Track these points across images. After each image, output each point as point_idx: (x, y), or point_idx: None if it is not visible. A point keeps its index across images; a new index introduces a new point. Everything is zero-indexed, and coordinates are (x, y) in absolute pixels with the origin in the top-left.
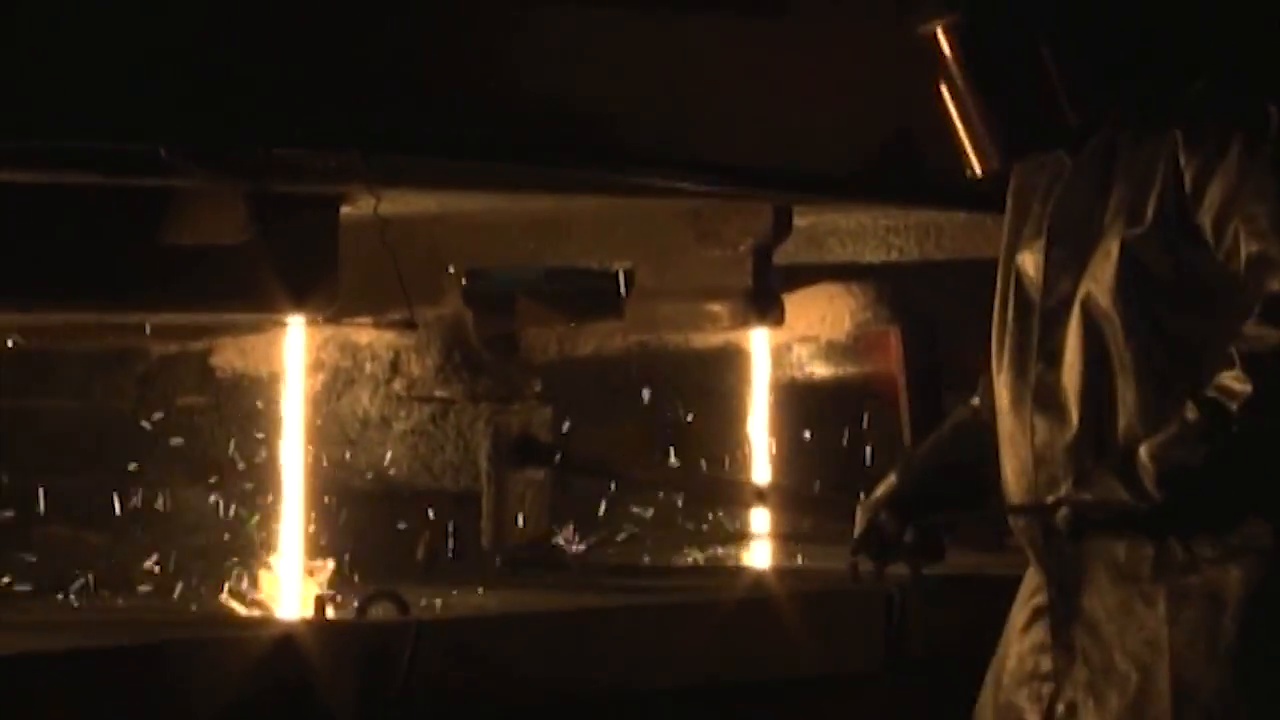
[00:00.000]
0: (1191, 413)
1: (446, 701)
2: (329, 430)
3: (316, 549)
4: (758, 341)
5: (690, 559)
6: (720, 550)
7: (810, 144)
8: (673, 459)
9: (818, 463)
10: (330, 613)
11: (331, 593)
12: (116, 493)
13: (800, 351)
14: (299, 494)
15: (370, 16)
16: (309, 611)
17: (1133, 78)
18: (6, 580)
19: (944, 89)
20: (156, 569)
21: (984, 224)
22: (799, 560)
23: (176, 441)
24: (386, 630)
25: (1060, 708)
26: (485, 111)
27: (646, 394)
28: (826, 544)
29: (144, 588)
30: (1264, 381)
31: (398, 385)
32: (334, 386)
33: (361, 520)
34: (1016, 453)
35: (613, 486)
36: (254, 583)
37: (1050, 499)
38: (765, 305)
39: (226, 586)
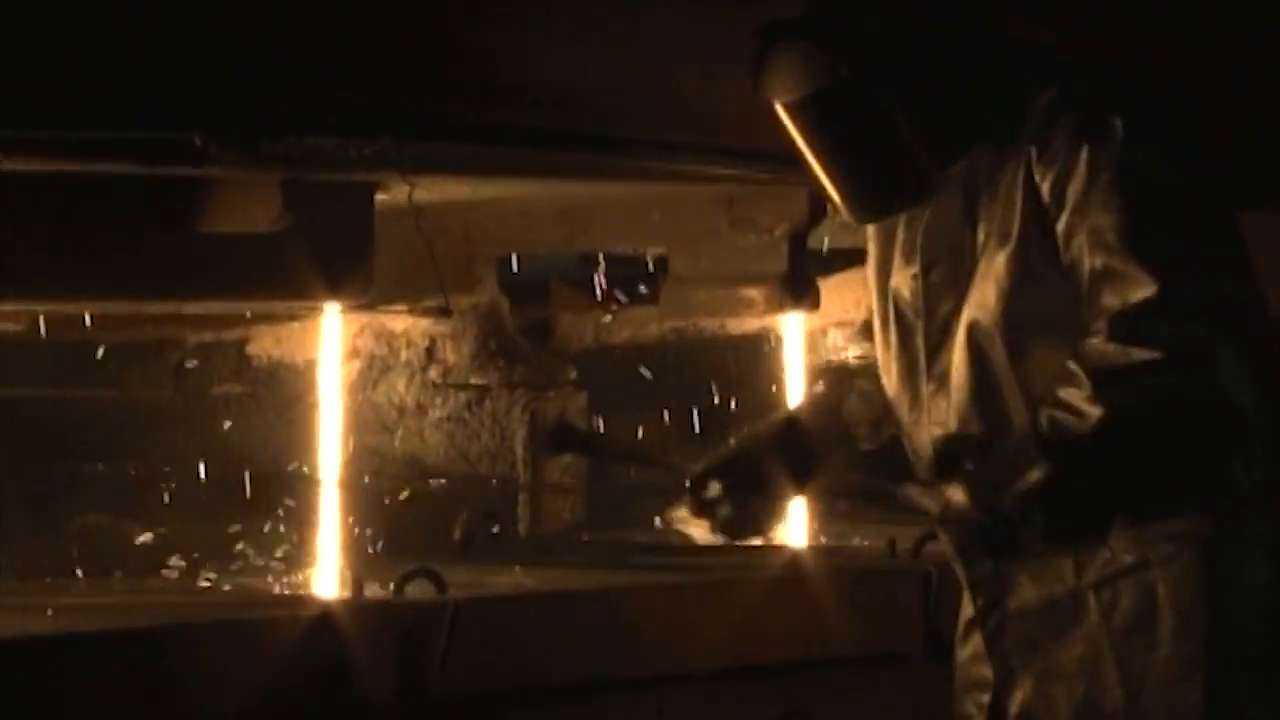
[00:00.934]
0: (1042, 467)
1: (484, 679)
2: (365, 417)
3: (353, 535)
4: (793, 326)
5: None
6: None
7: None
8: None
9: None
10: (368, 592)
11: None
12: (154, 481)
13: (836, 336)
14: (335, 481)
15: (405, 3)
16: (346, 592)
17: (987, 112)
18: (46, 567)
19: (802, 157)
20: (194, 554)
21: None
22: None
23: (214, 430)
24: (423, 609)
25: (1012, 715)
26: (518, 99)
27: (682, 380)
28: (863, 522)
29: (182, 573)
30: (1113, 405)
31: (433, 373)
32: (370, 374)
33: (397, 506)
34: (920, 471)
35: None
36: (292, 566)
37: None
38: (800, 290)
39: (264, 571)
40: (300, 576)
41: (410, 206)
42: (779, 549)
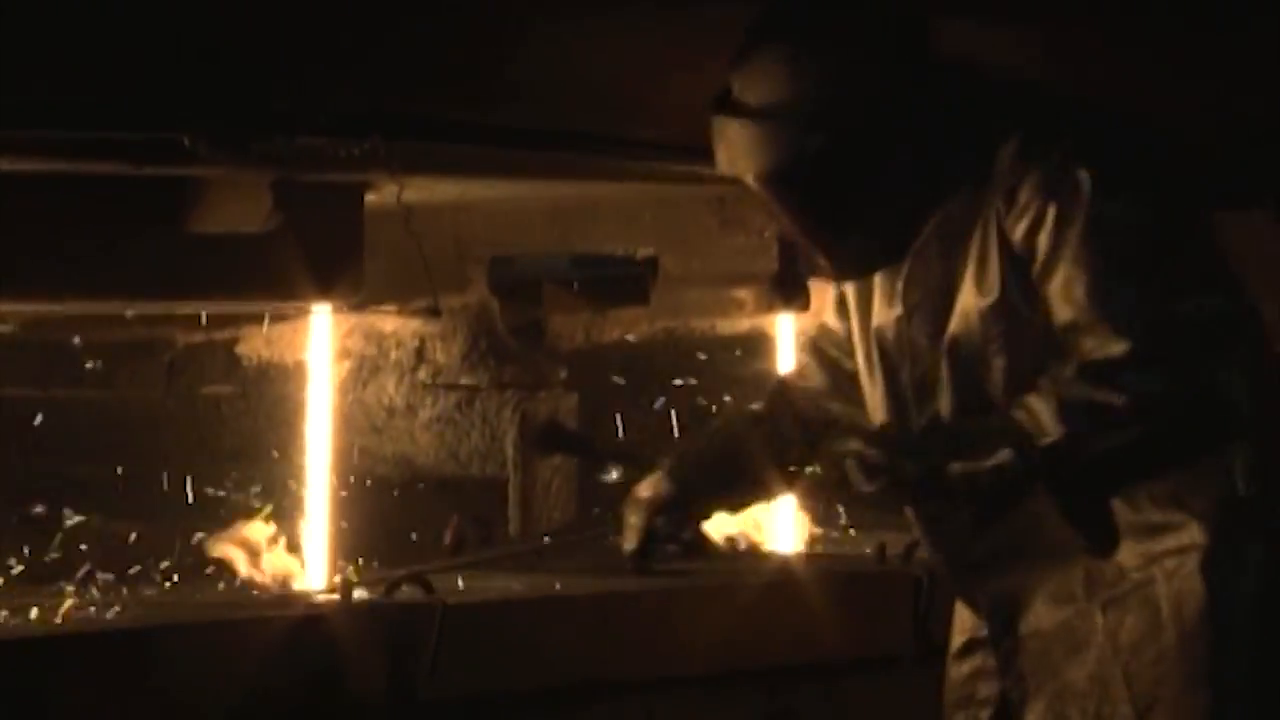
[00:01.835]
0: (1007, 453)
1: (473, 682)
2: (355, 418)
3: (343, 536)
4: (784, 327)
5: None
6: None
7: None
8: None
9: None
10: (356, 595)
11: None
12: (143, 482)
13: None
14: (325, 482)
15: (395, 4)
16: (335, 595)
17: (959, 161)
18: (36, 568)
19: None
20: (184, 556)
21: None
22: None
23: (203, 430)
24: (413, 611)
25: None
26: (508, 98)
27: (672, 380)
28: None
29: (172, 575)
30: (1071, 430)
31: (423, 373)
32: (360, 374)
33: (388, 507)
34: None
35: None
36: (281, 568)
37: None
38: (791, 291)
39: (254, 572)
40: (291, 579)
41: (400, 207)
42: (769, 554)
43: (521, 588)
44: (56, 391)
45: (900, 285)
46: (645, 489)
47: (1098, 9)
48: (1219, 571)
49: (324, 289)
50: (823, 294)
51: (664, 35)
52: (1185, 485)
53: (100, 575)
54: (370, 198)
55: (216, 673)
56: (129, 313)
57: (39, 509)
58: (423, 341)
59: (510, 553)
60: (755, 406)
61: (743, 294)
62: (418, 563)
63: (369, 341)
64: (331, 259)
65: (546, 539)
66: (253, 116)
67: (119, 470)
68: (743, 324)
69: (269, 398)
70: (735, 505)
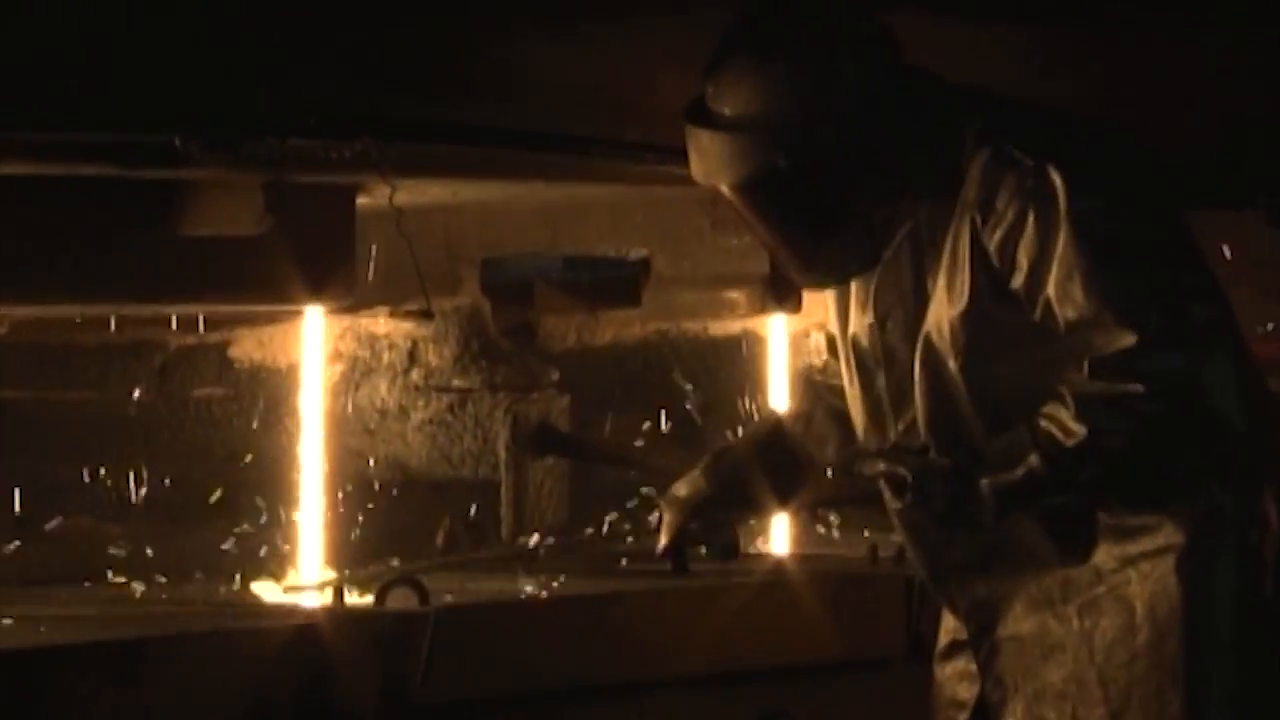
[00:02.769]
0: (1034, 458)
1: (466, 687)
2: (347, 420)
3: (335, 539)
4: (776, 328)
5: None
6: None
7: None
8: (690, 446)
9: None
10: (348, 599)
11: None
12: (135, 484)
13: (818, 338)
14: (318, 484)
15: (385, 5)
16: (328, 600)
17: (928, 169)
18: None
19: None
20: (175, 560)
21: None
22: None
23: (195, 433)
24: (406, 617)
25: None
26: (501, 100)
27: (664, 381)
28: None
29: (163, 579)
30: (1094, 427)
31: (416, 375)
32: (352, 377)
33: (380, 510)
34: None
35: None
36: (273, 573)
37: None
38: (783, 292)
39: (246, 577)
40: (283, 584)
41: (392, 208)
42: (762, 556)
43: (513, 590)
44: (47, 393)
45: (872, 290)
46: (682, 488)
47: (1092, 9)
48: (1194, 572)
49: (316, 291)
50: (814, 295)
51: (655, 38)
52: (1162, 487)
53: (91, 578)
54: (362, 200)
55: (208, 681)
56: (117, 315)
57: (29, 511)
58: (415, 343)
59: (502, 555)
60: (791, 406)
61: (735, 295)
62: (410, 565)
63: (361, 344)
64: (323, 261)
65: (534, 541)
66: (244, 119)
67: (110, 473)
68: (735, 325)
69: (261, 400)
70: (774, 507)
